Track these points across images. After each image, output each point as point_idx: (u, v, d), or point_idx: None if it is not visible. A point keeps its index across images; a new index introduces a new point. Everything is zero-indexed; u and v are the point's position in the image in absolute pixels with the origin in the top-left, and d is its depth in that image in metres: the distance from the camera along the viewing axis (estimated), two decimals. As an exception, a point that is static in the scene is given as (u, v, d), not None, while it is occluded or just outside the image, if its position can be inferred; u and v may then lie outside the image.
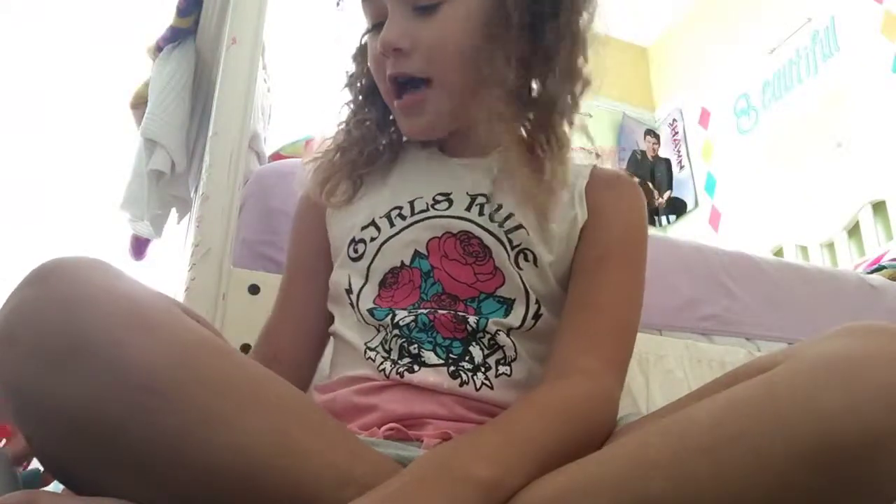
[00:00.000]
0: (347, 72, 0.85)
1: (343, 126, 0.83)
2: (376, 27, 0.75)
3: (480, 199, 0.73)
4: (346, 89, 0.84)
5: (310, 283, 0.80)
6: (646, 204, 0.79)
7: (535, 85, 0.75)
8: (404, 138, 0.84)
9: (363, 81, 0.83)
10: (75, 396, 0.44)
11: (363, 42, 0.83)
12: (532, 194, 0.71)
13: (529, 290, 0.70)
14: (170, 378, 0.45)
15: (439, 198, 0.74)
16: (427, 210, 0.74)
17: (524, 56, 0.73)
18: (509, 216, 0.72)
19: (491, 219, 0.72)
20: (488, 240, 0.71)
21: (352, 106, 0.84)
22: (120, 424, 0.44)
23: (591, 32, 0.75)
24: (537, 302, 0.71)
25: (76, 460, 0.46)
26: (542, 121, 0.74)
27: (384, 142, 0.82)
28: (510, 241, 0.71)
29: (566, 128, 0.75)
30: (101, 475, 0.46)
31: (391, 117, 0.82)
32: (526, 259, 0.71)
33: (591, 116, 0.76)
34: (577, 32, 0.74)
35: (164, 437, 0.45)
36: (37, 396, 0.45)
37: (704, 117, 3.78)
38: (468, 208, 0.73)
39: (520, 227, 0.71)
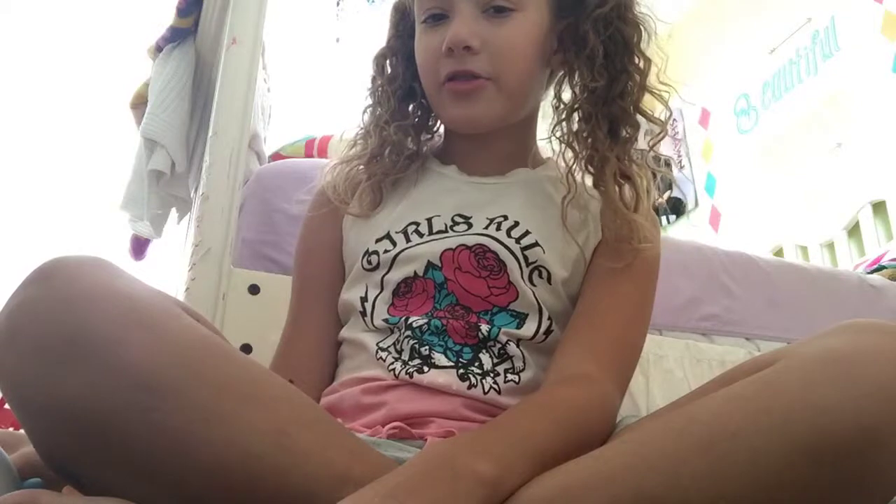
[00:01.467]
0: (374, 76, 0.83)
1: (377, 130, 0.81)
2: (430, 19, 0.75)
3: (499, 220, 0.74)
4: (379, 94, 0.82)
5: (325, 303, 0.78)
6: (660, 228, 0.79)
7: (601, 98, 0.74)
8: (425, 147, 0.84)
9: (399, 85, 0.82)
10: (75, 394, 0.44)
11: (390, 46, 0.83)
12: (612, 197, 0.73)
13: (542, 306, 0.71)
14: (169, 376, 0.46)
15: (458, 219, 0.74)
16: (446, 231, 0.74)
17: (592, 74, 0.73)
18: (526, 233, 0.72)
19: (508, 234, 0.72)
20: (504, 254, 0.71)
21: (387, 111, 0.81)
22: (119, 422, 0.44)
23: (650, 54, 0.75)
24: (549, 318, 0.71)
25: (77, 458, 0.46)
26: (614, 132, 0.74)
27: (415, 148, 0.82)
28: (525, 257, 0.71)
29: (639, 140, 0.75)
30: (100, 473, 0.47)
31: (431, 122, 0.83)
32: (540, 276, 0.71)
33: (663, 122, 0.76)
34: (641, 57, 0.74)
35: (163, 435, 0.45)
36: (38, 394, 0.45)
37: (704, 117, 3.77)
38: (486, 228, 0.73)
39: (536, 244, 0.72)
